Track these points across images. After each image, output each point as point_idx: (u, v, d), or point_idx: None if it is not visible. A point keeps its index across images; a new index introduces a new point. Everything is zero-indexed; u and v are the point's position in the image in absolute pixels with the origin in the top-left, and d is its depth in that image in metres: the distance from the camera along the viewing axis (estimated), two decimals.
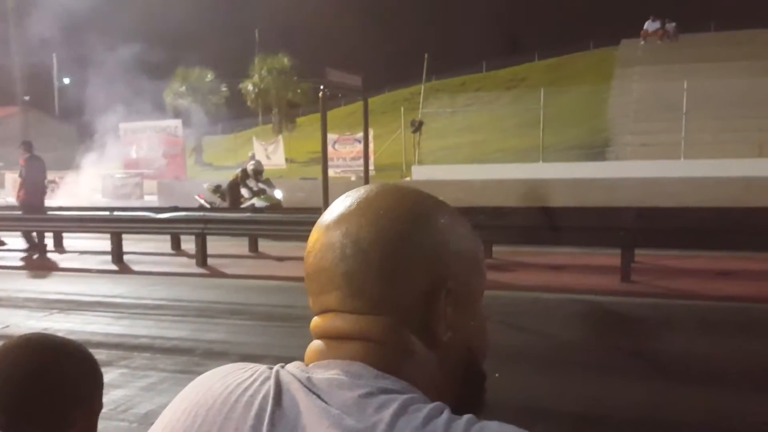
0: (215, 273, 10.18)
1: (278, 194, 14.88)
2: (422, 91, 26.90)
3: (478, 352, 0.79)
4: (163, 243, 12.37)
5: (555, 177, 17.05)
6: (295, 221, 10.77)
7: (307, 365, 0.74)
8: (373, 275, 0.71)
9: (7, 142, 38.40)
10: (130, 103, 31.76)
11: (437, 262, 0.73)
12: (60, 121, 46.87)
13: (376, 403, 0.65)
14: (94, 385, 1.28)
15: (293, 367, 0.73)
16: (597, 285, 8.55)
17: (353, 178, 21.97)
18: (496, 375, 5.55)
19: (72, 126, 41.76)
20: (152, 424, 0.76)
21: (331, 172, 11.65)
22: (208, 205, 14.81)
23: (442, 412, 0.66)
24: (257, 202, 14.18)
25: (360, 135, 22.88)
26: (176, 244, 12.30)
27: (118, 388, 5.04)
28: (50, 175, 24.30)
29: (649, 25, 31.69)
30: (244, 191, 14.73)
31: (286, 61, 37.82)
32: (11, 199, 22.69)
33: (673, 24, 31.74)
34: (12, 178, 25.30)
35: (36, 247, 12.12)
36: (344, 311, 0.73)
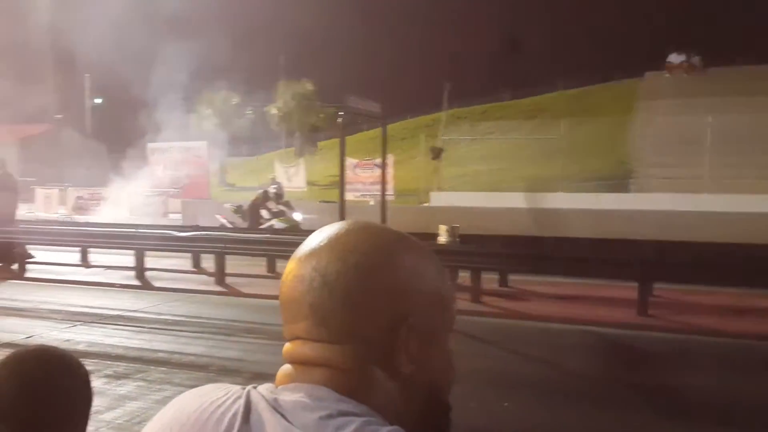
0: (233, 292, 10.32)
1: (297, 216, 15.04)
2: (443, 119, 27.08)
3: (441, 385, 0.83)
4: (184, 260, 12.56)
5: (574, 207, 17.03)
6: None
7: (276, 387, 0.79)
8: (337, 307, 0.76)
9: (39, 159, 39.19)
10: (158, 123, 32.29)
11: (400, 298, 0.78)
12: (91, 140, 47.67)
13: (335, 424, 0.70)
14: (89, 396, 1.34)
15: (263, 388, 0.79)
16: (613, 317, 8.45)
17: (372, 203, 22.08)
18: (505, 404, 5.57)
19: (102, 144, 42.49)
20: None
21: (350, 196, 11.79)
22: (229, 225, 14.99)
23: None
24: (276, 223, 14.34)
25: (379, 160, 23.05)
26: (196, 262, 12.48)
27: (134, 401, 5.17)
28: (79, 192, 24.79)
29: (674, 58, 31.65)
30: (264, 212, 14.92)
31: (309, 86, 38.29)
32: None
33: (698, 57, 31.68)
34: (43, 193, 25.78)
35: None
36: (311, 339, 0.78)
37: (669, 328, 8.06)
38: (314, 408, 0.73)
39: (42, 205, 25.15)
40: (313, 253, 0.80)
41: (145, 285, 10.84)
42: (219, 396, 0.79)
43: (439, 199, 20.86)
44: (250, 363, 6.46)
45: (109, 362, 6.24)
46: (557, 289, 10.07)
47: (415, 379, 0.79)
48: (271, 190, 15.15)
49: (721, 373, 6.43)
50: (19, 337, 7.14)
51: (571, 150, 23.38)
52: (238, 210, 15.80)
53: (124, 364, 6.19)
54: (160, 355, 6.65)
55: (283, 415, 0.73)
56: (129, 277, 11.22)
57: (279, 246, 11.08)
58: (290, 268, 0.82)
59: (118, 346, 6.91)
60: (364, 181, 24.17)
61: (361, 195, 23.67)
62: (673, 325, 8.16)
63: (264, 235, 12.16)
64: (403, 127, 37.64)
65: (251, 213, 15.12)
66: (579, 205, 17.62)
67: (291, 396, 0.75)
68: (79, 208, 23.82)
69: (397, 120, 36.53)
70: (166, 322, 8.21)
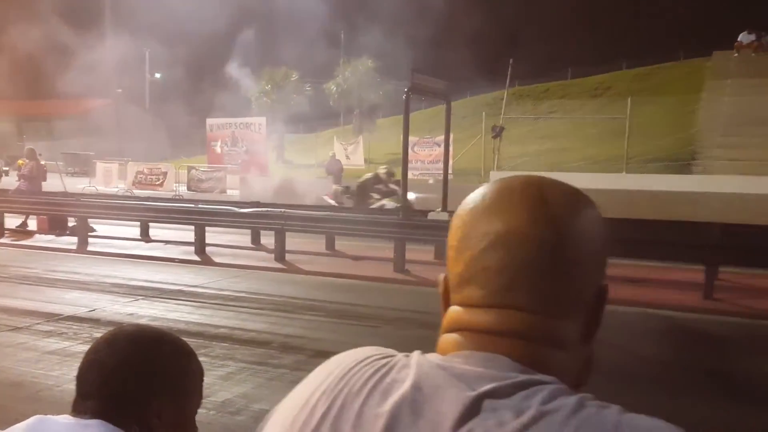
0: (293, 269, 10.38)
1: (410, 196, 14.56)
2: (505, 97, 26.65)
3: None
4: (244, 237, 12.70)
5: (638, 188, 16.63)
6: (372, 221, 10.88)
7: (448, 356, 0.73)
8: (548, 277, 0.71)
9: (98, 133, 40.22)
10: (217, 99, 32.70)
11: (602, 264, 0.75)
12: (151, 114, 48.66)
13: (525, 393, 0.66)
14: (186, 376, 1.32)
15: (433, 355, 0.73)
16: (679, 301, 8.36)
17: (431, 181, 21.97)
18: None
19: (162, 119, 43.33)
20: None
21: (408, 174, 11.69)
22: (336, 205, 14.94)
23: (591, 400, 0.67)
24: (388, 203, 14.09)
25: (439, 138, 22.84)
26: (256, 239, 12.60)
27: None
28: (139, 166, 25.33)
29: (744, 38, 30.46)
30: (374, 194, 14.70)
31: (369, 63, 38.18)
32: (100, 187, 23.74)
33: None
34: (103, 167, 26.36)
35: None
36: (510, 308, 0.71)
37: (735, 312, 7.96)
38: (501, 378, 0.68)
39: (102, 179, 25.56)
40: (504, 211, 0.73)
41: (205, 260, 10.99)
42: (382, 363, 0.73)
43: (499, 178, 20.60)
44: (311, 340, 6.48)
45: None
46: (622, 272, 9.82)
47: (592, 343, 0.77)
48: (382, 171, 14.93)
49: None
50: (82, 311, 7.29)
51: (636, 130, 22.78)
52: (346, 190, 15.70)
53: (186, 339, 6.23)
54: (222, 330, 6.71)
55: (465, 383, 0.68)
56: (189, 253, 11.40)
57: (339, 223, 11.12)
58: (473, 222, 0.75)
59: (180, 321, 7.00)
60: (423, 159, 24.04)
61: (420, 173, 23.55)
62: (739, 310, 8.06)
63: (325, 213, 12.17)
64: (463, 104, 37.24)
65: (360, 193, 14.97)
66: (644, 186, 17.19)
67: (472, 365, 0.70)
68: (139, 183, 24.27)
69: (458, 98, 36.14)
70: (226, 297, 8.30)
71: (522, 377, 0.67)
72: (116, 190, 23.41)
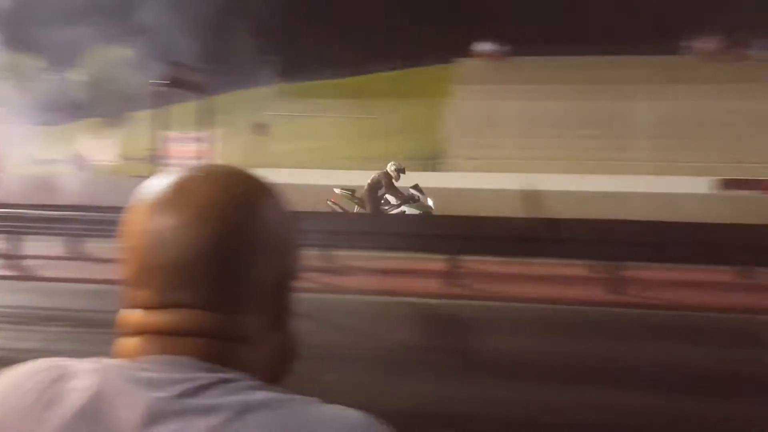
0: (28, 275, 9.44)
1: (430, 202, 12.95)
2: (268, 94, 26.67)
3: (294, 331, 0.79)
4: None
5: None
6: (118, 221, 10.21)
7: (131, 361, 0.70)
8: (226, 269, 0.69)
9: None
10: None
11: (288, 254, 0.75)
12: None
13: (212, 393, 0.64)
14: None
15: (117, 362, 0.70)
16: (426, 288, 8.88)
17: None
18: (330, 377, 5.50)
19: None
20: None
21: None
22: (341, 212, 12.83)
23: (281, 393, 0.67)
24: (408, 209, 12.52)
25: (201, 134, 22.28)
26: None
27: None
28: None
29: (483, 46, 33.42)
30: (390, 198, 12.92)
31: (123, 52, 36.03)
32: None
33: (507, 47, 33.65)
34: None
35: None
36: (184, 306, 0.69)
37: (474, 296, 8.61)
38: (192, 380, 0.65)
39: None
40: (176, 205, 0.70)
41: None
42: (60, 374, 0.68)
43: (263, 175, 20.56)
44: (51, 354, 5.76)
45: None
46: (376, 264, 10.26)
47: (286, 333, 0.77)
48: (392, 170, 12.90)
49: (512, 335, 6.98)
50: None
51: (391, 130, 24.05)
52: (353, 196, 13.42)
53: None
54: None
55: (145, 388, 0.64)
56: None
57: (84, 225, 10.33)
58: (146, 217, 0.71)
59: None
60: (183, 155, 23.21)
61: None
62: (479, 294, 8.71)
63: (66, 213, 11.18)
64: (226, 99, 36.56)
65: (371, 198, 12.92)
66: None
67: (155, 369, 0.66)
68: None
69: (221, 92, 35.40)
70: None
71: (208, 377, 0.66)
72: None
